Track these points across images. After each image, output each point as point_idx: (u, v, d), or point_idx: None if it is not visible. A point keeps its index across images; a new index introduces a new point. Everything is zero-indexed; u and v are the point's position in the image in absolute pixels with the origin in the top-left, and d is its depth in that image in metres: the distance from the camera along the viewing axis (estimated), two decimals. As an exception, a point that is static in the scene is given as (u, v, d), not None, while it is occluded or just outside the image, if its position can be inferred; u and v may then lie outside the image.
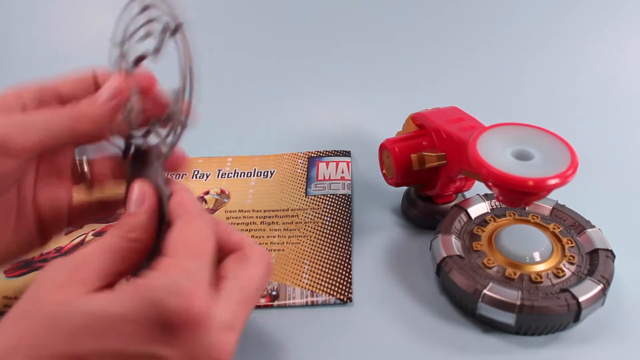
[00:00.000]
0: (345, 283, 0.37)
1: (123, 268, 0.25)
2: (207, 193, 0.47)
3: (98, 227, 0.43)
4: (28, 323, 0.22)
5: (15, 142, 0.26)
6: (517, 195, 0.30)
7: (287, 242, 0.41)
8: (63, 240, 0.41)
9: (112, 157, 0.33)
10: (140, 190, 0.27)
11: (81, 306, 0.22)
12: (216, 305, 0.23)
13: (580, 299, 0.31)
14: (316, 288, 0.36)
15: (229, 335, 0.23)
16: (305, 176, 0.48)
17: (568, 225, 0.37)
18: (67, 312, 0.21)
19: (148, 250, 0.26)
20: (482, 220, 0.38)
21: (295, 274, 0.38)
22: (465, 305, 0.34)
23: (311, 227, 0.42)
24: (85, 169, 0.32)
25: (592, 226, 0.37)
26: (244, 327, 0.24)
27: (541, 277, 0.33)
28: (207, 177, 0.49)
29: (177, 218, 0.26)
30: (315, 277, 0.37)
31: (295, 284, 0.37)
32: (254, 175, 0.49)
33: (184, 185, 0.28)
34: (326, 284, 0.37)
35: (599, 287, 0.31)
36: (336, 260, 0.39)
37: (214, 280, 0.24)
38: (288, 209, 0.44)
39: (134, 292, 0.22)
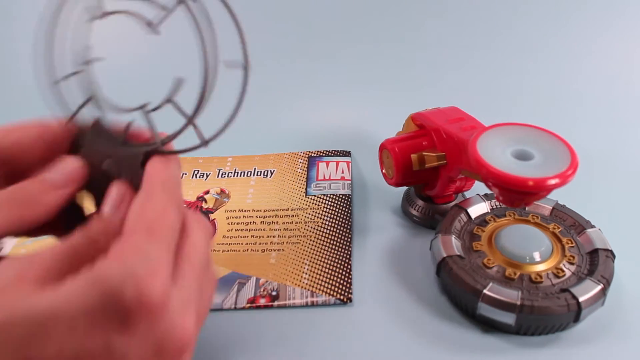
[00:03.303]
0: (345, 283, 0.37)
1: (82, 266, 0.22)
2: (207, 192, 0.47)
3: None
4: None
5: None
6: (517, 195, 0.30)
7: (287, 242, 0.41)
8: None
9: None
10: (118, 194, 0.25)
11: (27, 308, 0.19)
12: (175, 287, 0.21)
13: (580, 299, 0.31)
14: (316, 288, 0.36)
15: (187, 315, 0.22)
16: (305, 176, 0.48)
17: (568, 225, 0.37)
18: (13, 318, 0.19)
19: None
20: (482, 220, 0.38)
21: (295, 274, 0.38)
22: (465, 305, 0.34)
23: (311, 227, 0.42)
24: None
25: (592, 226, 0.37)
26: (200, 300, 0.23)
27: (541, 277, 0.33)
28: (207, 176, 0.49)
29: (140, 192, 0.23)
30: (315, 277, 0.37)
31: (295, 284, 0.37)
32: (254, 175, 0.49)
33: (163, 160, 0.25)
34: (326, 284, 0.37)
35: (599, 287, 0.31)
36: (336, 260, 0.39)
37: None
38: (288, 209, 0.44)
39: (85, 284, 0.20)
